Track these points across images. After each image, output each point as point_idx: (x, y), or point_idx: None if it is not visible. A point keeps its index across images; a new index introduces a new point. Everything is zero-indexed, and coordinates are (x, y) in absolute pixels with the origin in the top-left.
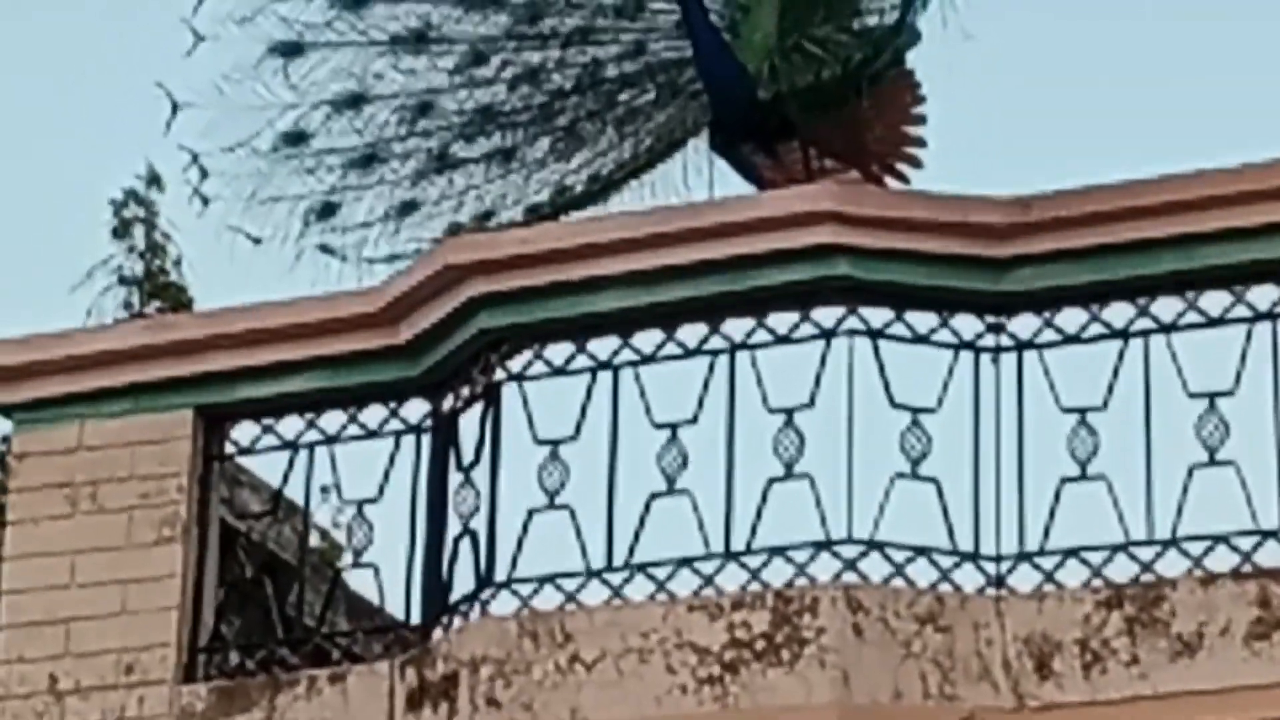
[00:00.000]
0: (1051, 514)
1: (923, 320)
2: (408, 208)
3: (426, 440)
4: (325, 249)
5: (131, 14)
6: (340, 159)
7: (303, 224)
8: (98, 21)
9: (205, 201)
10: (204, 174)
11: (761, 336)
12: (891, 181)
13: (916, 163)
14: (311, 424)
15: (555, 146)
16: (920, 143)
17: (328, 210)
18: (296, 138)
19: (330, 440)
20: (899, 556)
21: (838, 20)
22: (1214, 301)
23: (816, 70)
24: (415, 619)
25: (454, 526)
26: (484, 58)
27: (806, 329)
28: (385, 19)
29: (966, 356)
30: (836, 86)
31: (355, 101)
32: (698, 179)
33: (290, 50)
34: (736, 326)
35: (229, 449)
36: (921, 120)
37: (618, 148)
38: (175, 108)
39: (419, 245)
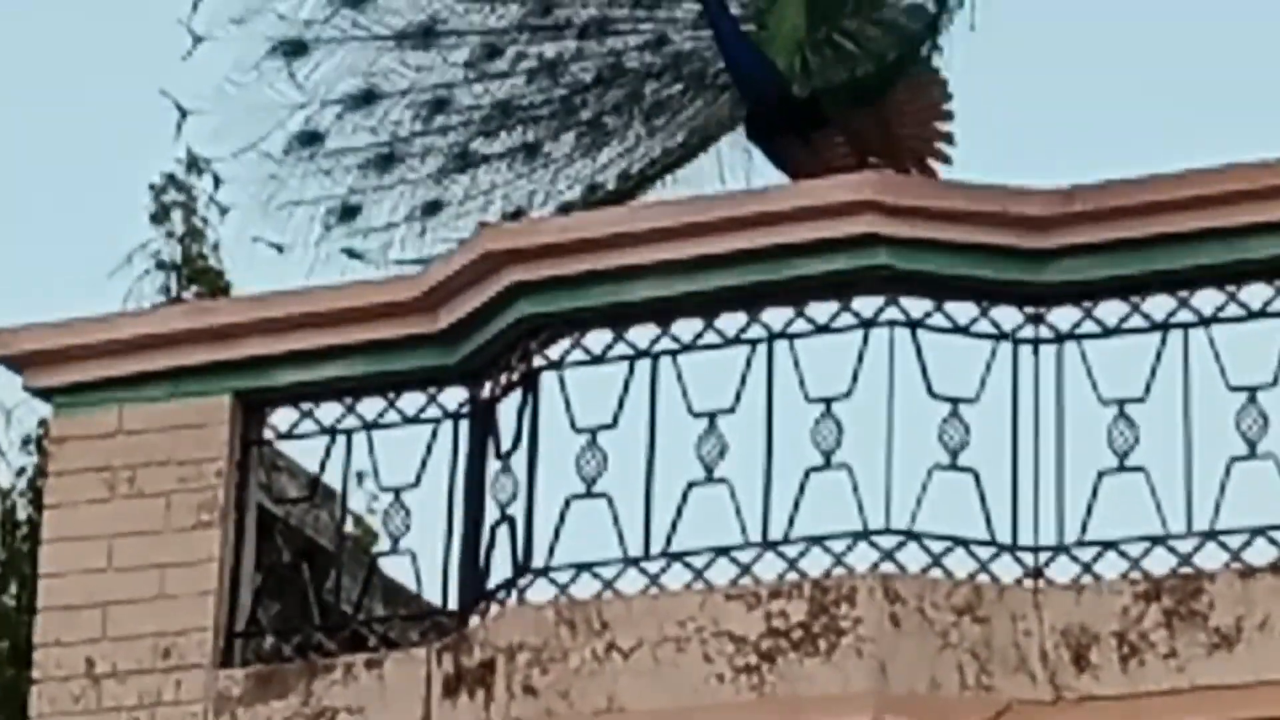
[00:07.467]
0: (1090, 506)
1: (962, 311)
2: (432, 207)
3: (464, 427)
4: (350, 253)
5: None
6: (357, 159)
7: (324, 228)
8: (143, 7)
9: (224, 210)
10: (218, 182)
11: (801, 326)
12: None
13: (946, 159)
14: (350, 410)
15: (580, 141)
16: (949, 139)
17: (349, 212)
18: (309, 138)
19: (368, 426)
20: (937, 547)
21: (866, 13)
22: (1254, 294)
23: (851, 66)
24: (452, 606)
25: (491, 513)
26: (498, 51)
27: (846, 319)
28: (387, 14)
29: (1006, 347)
30: (872, 82)
31: (367, 99)
32: (732, 174)
33: (294, 49)
34: (776, 315)
35: (267, 434)
36: (949, 116)
37: (647, 143)
38: (183, 113)
39: (448, 245)
